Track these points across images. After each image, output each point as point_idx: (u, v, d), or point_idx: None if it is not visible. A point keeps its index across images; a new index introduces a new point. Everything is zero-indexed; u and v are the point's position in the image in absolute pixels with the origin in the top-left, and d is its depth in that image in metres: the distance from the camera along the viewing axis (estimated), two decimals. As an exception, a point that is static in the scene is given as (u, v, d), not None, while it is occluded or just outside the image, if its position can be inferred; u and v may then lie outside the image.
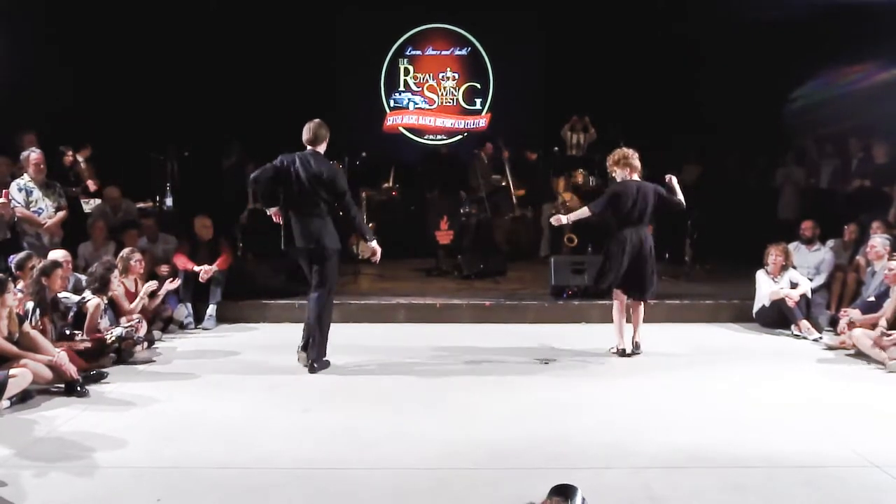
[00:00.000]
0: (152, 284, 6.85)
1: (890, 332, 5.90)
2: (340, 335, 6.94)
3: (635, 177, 6.26)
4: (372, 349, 6.52)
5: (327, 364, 5.96)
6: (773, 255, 7.29)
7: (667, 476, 3.86)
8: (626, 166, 6.26)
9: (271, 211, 6.01)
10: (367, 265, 9.61)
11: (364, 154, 11.14)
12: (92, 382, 5.35)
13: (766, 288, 7.25)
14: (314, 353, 5.89)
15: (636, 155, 6.30)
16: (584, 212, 6.44)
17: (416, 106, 13.24)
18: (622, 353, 6.31)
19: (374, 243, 6.03)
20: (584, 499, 2.17)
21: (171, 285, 7.01)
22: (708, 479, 3.84)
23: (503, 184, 11.09)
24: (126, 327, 6.24)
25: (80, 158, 8.85)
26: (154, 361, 6.16)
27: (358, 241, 9.91)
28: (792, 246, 7.62)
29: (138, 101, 10.38)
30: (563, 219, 6.49)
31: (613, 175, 6.39)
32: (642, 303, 6.40)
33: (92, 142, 9.15)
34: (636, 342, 6.37)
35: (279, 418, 4.73)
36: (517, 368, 5.95)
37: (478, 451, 4.19)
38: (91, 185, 8.69)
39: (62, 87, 9.23)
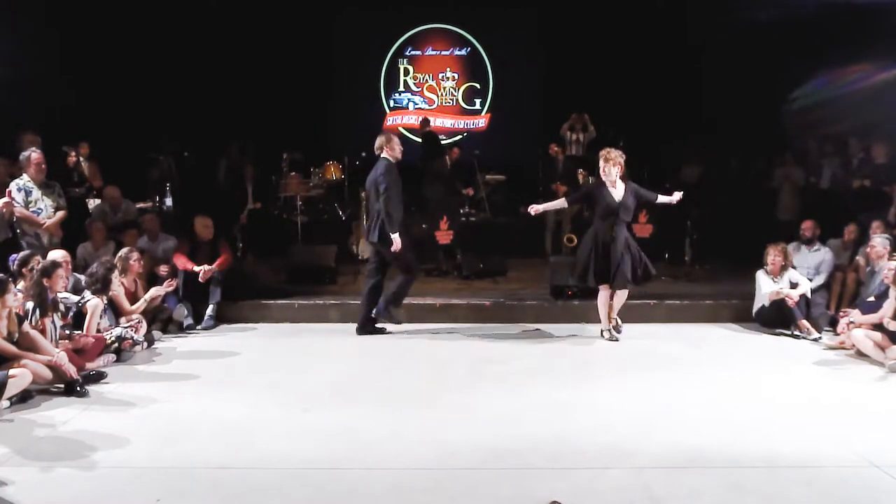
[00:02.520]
0: (158, 290, 6.87)
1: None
2: (340, 335, 6.96)
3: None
4: (372, 349, 6.52)
5: (395, 318, 6.96)
6: (773, 256, 7.28)
7: (667, 476, 3.87)
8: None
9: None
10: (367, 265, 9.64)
11: (364, 154, 11.14)
12: (92, 382, 5.35)
13: (766, 288, 7.24)
14: (391, 300, 6.90)
15: (607, 154, 6.69)
16: (561, 203, 7.22)
17: (416, 106, 13.26)
18: (609, 333, 6.81)
19: (397, 238, 6.70)
20: None
21: (169, 287, 7.01)
22: (708, 479, 3.84)
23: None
24: (125, 327, 6.25)
25: (82, 158, 8.86)
26: (154, 362, 6.15)
27: (358, 241, 9.94)
28: (792, 246, 7.61)
29: (138, 100, 10.39)
30: (539, 207, 7.01)
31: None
32: (623, 289, 6.73)
33: (92, 142, 9.16)
34: (614, 323, 6.81)
35: (279, 418, 4.73)
36: (516, 368, 5.94)
37: (477, 451, 4.19)
38: (96, 183, 8.73)
39: (62, 87, 9.23)
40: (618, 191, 6.62)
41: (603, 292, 6.78)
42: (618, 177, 6.64)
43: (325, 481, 3.81)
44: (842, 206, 8.74)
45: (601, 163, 6.67)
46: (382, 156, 6.92)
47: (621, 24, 11.49)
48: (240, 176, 10.51)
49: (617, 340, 6.72)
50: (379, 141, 7.01)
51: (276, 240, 9.70)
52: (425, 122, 11.63)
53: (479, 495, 3.69)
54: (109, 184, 8.64)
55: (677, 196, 6.91)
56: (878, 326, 6.10)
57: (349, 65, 12.74)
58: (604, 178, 6.65)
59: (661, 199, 6.93)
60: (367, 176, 6.86)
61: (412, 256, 7.06)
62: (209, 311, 7.33)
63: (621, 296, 6.78)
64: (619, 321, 6.93)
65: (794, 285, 7.23)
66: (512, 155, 12.02)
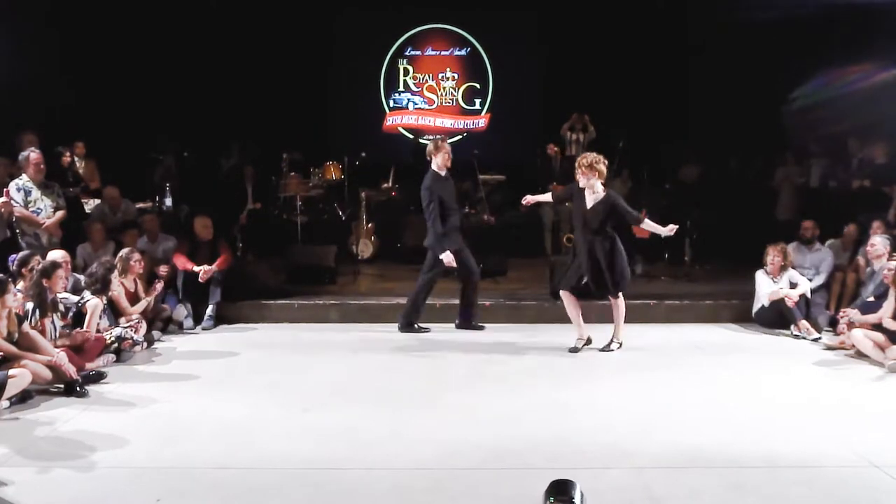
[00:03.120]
0: (158, 289, 6.88)
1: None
2: (340, 335, 6.97)
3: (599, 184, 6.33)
4: (372, 349, 6.51)
5: (412, 328, 6.99)
6: (772, 256, 7.29)
7: (667, 476, 3.87)
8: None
9: None
10: (367, 265, 9.65)
11: (364, 154, 11.15)
12: (91, 382, 5.35)
13: (766, 288, 7.25)
14: (402, 314, 7.00)
15: (580, 160, 6.40)
16: (547, 196, 7.20)
17: (416, 106, 13.25)
18: (578, 343, 6.46)
19: (445, 255, 6.73)
20: (582, 493, 2.17)
21: (158, 286, 6.97)
22: (708, 479, 3.84)
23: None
24: (125, 327, 6.25)
25: (76, 158, 8.85)
26: (154, 362, 6.15)
27: (357, 241, 9.95)
28: (791, 246, 7.61)
29: (138, 100, 10.39)
30: (531, 199, 6.93)
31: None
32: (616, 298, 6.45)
33: (92, 142, 9.15)
34: (587, 337, 6.54)
35: (279, 418, 4.73)
36: (517, 368, 5.95)
37: (477, 451, 4.18)
38: (94, 183, 8.72)
39: (62, 87, 9.23)
40: (591, 198, 6.29)
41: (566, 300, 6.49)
42: (595, 183, 6.24)
43: (325, 481, 3.80)
44: (842, 206, 8.75)
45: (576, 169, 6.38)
46: (432, 166, 6.86)
47: (621, 25, 11.48)
48: (240, 176, 10.52)
49: (577, 351, 6.37)
50: (428, 148, 6.97)
51: (276, 240, 9.70)
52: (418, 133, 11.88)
53: (479, 495, 3.69)
54: (109, 184, 8.64)
55: (671, 228, 6.34)
56: (878, 326, 6.11)
57: (349, 65, 12.72)
58: (581, 185, 6.35)
59: (649, 225, 6.42)
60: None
61: (438, 273, 6.97)
62: (209, 311, 7.33)
63: (618, 305, 6.42)
64: (615, 337, 6.50)
65: (793, 285, 7.24)
66: (512, 155, 12.00)
